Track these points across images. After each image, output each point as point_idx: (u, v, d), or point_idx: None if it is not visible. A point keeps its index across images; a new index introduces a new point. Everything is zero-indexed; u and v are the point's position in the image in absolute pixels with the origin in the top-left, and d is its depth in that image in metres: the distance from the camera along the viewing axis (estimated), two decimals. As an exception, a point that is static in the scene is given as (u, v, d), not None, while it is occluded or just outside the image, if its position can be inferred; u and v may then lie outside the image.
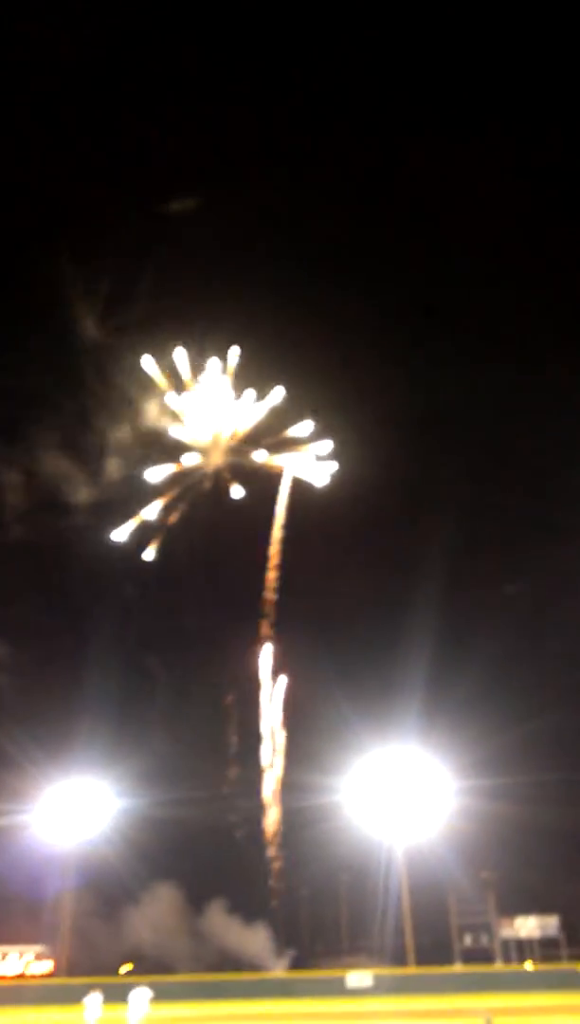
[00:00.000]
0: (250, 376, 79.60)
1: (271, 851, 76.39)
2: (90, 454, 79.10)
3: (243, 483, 79.70)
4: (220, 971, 71.29)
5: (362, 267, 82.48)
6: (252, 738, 78.15)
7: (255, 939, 77.22)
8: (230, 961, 75.30)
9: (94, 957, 74.80)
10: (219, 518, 79.53)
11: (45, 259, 76.32)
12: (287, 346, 76.79)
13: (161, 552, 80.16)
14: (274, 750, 77.52)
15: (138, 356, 77.55)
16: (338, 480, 79.48)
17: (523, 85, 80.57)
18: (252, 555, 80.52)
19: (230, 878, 78.08)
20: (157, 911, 79.98)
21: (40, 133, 78.32)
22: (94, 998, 42.15)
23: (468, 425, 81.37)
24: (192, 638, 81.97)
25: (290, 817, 77.12)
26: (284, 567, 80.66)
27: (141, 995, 40.26)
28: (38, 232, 78.85)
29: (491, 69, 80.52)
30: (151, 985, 62.90)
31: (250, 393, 79.14)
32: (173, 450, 79.37)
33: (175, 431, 78.69)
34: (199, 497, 79.87)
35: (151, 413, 78.34)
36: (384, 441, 77.68)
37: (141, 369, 77.76)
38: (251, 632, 79.81)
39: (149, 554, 79.43)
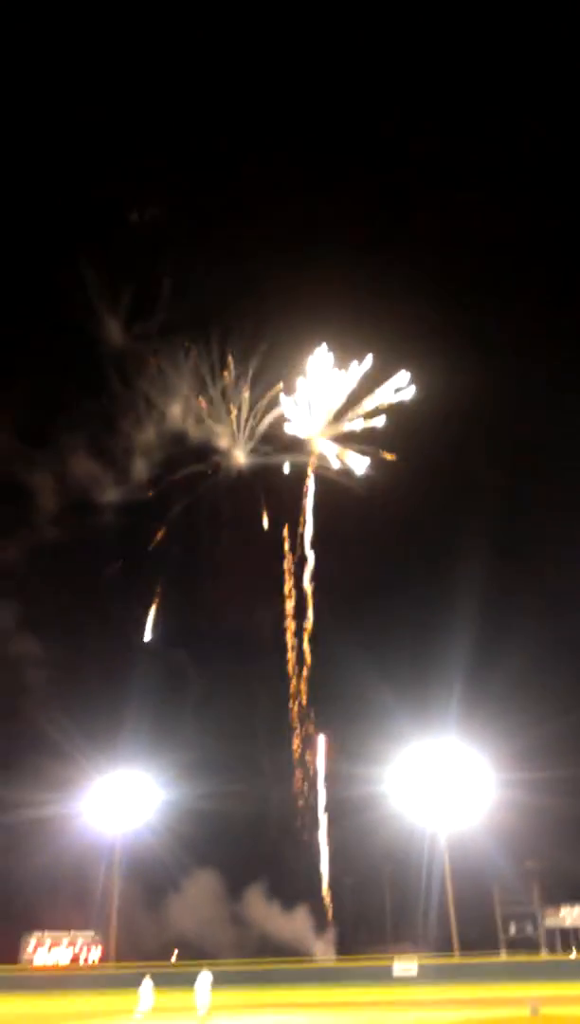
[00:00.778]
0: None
1: (318, 840, 76.96)
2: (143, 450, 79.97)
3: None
4: (263, 957, 72.32)
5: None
6: (294, 730, 78.79)
7: (296, 923, 78.17)
8: (272, 947, 76.27)
9: (141, 944, 76.32)
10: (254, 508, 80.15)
11: (71, 264, 76.72)
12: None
13: (193, 545, 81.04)
14: (317, 740, 78.15)
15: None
16: (379, 472, 79.41)
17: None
18: (294, 541, 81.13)
19: (272, 867, 79.22)
20: (201, 899, 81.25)
21: (64, 135, 78.84)
22: (146, 985, 42.96)
23: (516, 417, 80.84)
24: (235, 633, 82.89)
25: (334, 807, 77.77)
26: (323, 558, 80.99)
27: (206, 980, 41.00)
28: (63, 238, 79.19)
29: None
30: (198, 974, 64.32)
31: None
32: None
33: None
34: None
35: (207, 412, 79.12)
36: (430, 431, 77.76)
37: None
38: (293, 619, 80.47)
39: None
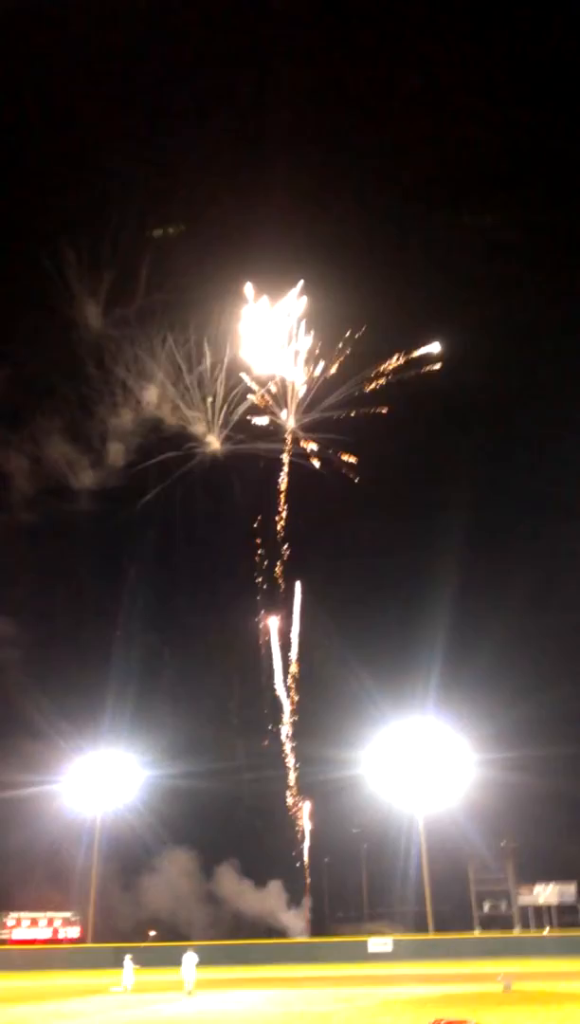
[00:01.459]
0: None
1: (296, 820, 77.58)
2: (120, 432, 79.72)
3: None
4: (239, 934, 73.25)
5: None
6: (274, 709, 79.13)
7: (273, 901, 79.01)
8: (249, 925, 77.15)
9: (118, 923, 76.90)
10: (227, 490, 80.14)
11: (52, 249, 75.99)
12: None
13: (173, 525, 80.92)
14: (292, 719, 78.55)
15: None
16: (357, 449, 79.40)
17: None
18: (269, 526, 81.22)
19: (250, 846, 79.99)
20: (180, 879, 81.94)
21: (46, 122, 77.84)
22: (128, 964, 43.28)
23: (490, 402, 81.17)
24: (213, 613, 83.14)
25: (313, 787, 78.38)
26: (300, 537, 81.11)
27: (192, 959, 41.50)
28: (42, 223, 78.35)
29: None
30: (177, 950, 64.91)
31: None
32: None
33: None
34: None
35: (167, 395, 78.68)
36: (407, 411, 77.81)
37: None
38: (269, 604, 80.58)
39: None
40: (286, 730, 77.66)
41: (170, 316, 76.24)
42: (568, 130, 79.26)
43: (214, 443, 79.99)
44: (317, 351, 76.47)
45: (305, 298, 75.99)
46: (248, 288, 75.49)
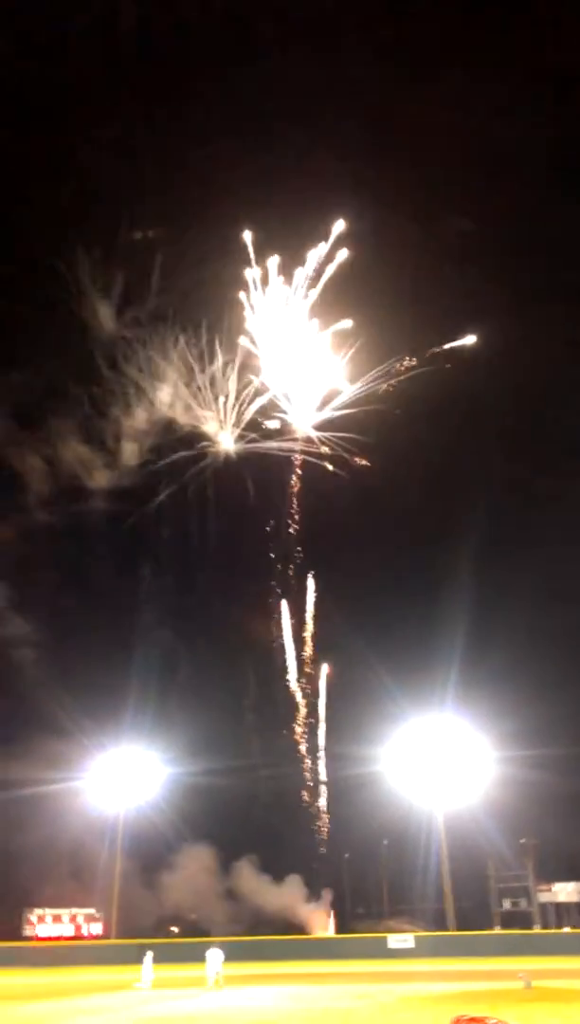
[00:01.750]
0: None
1: (318, 817, 77.90)
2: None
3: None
4: (260, 930, 73.75)
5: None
6: (295, 707, 79.46)
7: (294, 897, 79.41)
8: (269, 921, 77.61)
9: (142, 919, 77.54)
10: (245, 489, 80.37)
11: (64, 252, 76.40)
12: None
13: (189, 524, 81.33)
14: (317, 718, 78.85)
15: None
16: (373, 448, 79.39)
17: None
18: (284, 524, 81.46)
19: (270, 843, 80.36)
20: (200, 875, 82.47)
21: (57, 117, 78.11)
22: (147, 960, 43.73)
23: (511, 400, 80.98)
24: (231, 611, 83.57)
25: (333, 784, 78.71)
26: (317, 534, 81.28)
27: (217, 954, 41.88)
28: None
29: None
30: (199, 946, 65.39)
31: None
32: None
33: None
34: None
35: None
36: (425, 411, 77.65)
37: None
38: (287, 601, 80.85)
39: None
40: (304, 727, 78.22)
41: (182, 316, 76.62)
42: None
43: (227, 443, 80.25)
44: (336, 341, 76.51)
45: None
46: (272, 261, 75.44)
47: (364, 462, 76.81)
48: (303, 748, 78.41)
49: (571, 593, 77.07)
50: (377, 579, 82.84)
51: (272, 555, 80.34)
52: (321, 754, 78.09)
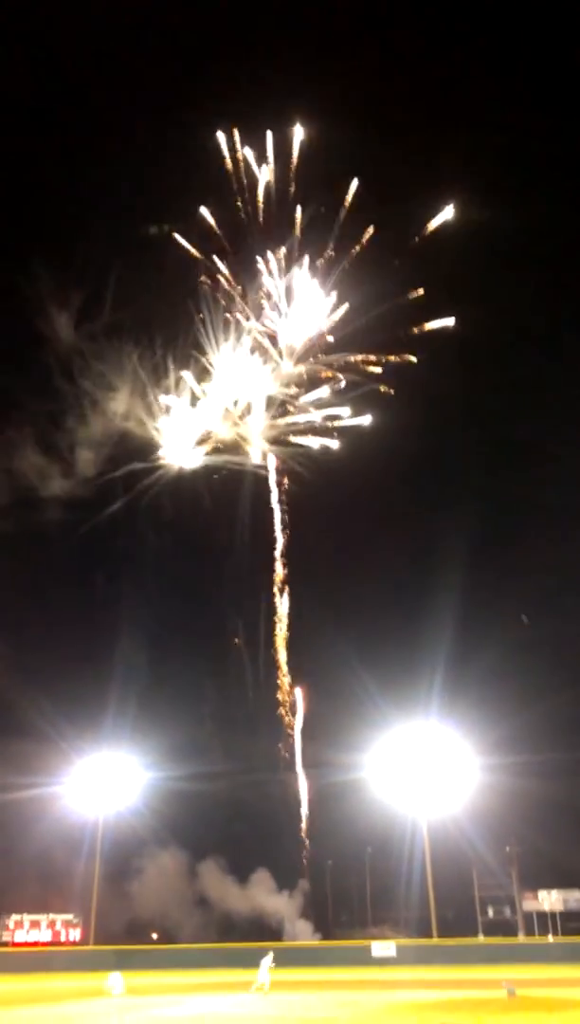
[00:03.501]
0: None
1: (301, 824, 77.49)
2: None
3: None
4: (242, 937, 73.30)
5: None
6: (277, 713, 79.09)
7: (278, 904, 79.02)
8: (253, 927, 77.14)
9: (118, 925, 76.98)
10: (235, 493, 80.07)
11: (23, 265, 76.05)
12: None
13: (168, 528, 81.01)
14: (297, 724, 78.48)
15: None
16: (358, 455, 79.15)
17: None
18: (269, 530, 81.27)
19: (258, 852, 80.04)
20: (178, 880, 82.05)
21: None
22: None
23: (498, 410, 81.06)
24: (215, 616, 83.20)
25: (316, 791, 78.28)
26: (304, 543, 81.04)
27: (268, 959, 41.74)
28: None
29: None
30: (180, 952, 64.93)
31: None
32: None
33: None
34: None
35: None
36: (411, 417, 77.55)
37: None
38: (273, 609, 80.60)
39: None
40: (289, 732, 77.84)
41: (138, 330, 76.47)
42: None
43: (186, 455, 79.68)
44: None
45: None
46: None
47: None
48: (286, 754, 78.10)
49: (557, 601, 77.27)
50: (361, 587, 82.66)
51: (253, 563, 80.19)
52: (298, 761, 77.85)
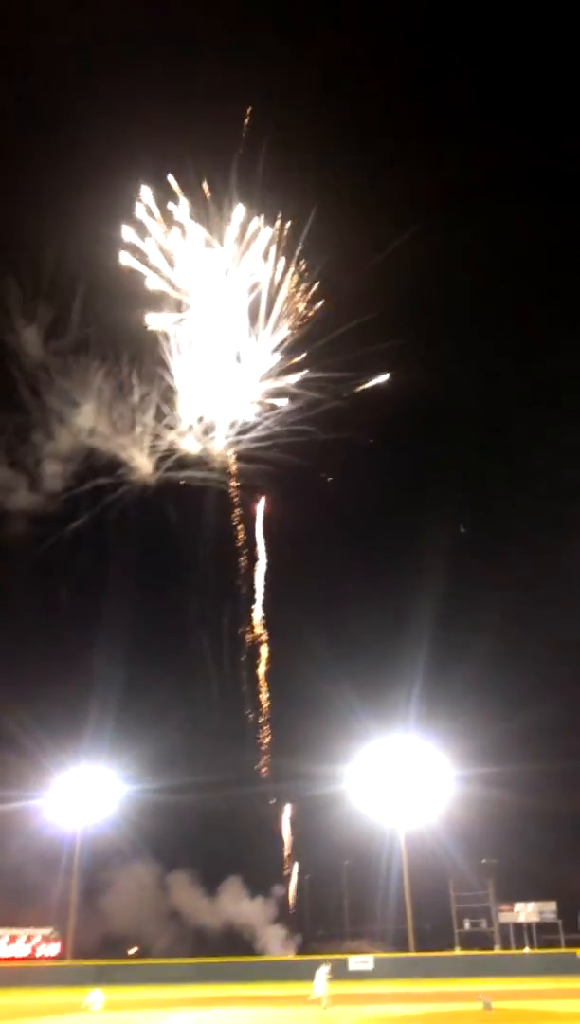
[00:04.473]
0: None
1: (281, 838, 77.61)
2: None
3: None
4: (206, 950, 73.36)
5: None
6: (254, 725, 79.23)
7: (256, 917, 79.05)
8: (229, 941, 77.13)
9: (98, 939, 76.63)
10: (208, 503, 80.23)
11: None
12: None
13: (142, 539, 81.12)
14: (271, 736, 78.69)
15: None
16: (334, 465, 79.34)
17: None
18: (248, 542, 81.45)
19: (232, 861, 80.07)
20: (158, 894, 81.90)
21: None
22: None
23: (468, 415, 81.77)
24: (191, 630, 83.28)
25: (294, 804, 78.47)
26: (280, 556, 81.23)
27: (323, 972, 41.49)
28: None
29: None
30: (160, 968, 64.83)
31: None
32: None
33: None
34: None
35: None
36: (384, 427, 78.05)
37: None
38: (249, 622, 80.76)
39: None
40: (266, 744, 78.01)
41: (104, 346, 76.47)
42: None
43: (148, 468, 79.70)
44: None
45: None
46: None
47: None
48: (265, 767, 78.26)
49: (533, 613, 78.05)
50: (339, 600, 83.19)
51: (229, 575, 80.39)
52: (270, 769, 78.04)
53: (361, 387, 75.98)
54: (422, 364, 75.91)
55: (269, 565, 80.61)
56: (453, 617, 76.94)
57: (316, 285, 73.03)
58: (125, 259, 71.56)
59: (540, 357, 79.96)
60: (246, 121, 71.53)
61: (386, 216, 74.90)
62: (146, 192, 70.84)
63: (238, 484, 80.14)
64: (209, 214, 71.61)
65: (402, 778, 68.52)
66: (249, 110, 71.87)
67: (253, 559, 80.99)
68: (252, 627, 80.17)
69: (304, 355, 74.73)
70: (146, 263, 72.26)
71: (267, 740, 78.74)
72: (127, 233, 71.23)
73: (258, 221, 71.86)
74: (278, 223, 71.95)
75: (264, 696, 79.26)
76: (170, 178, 70.26)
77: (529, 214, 77.69)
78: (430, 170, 77.90)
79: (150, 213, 71.30)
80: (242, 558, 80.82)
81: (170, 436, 77.82)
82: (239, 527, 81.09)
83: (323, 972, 41.84)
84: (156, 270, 72.69)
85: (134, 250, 71.91)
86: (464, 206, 79.96)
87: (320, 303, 72.94)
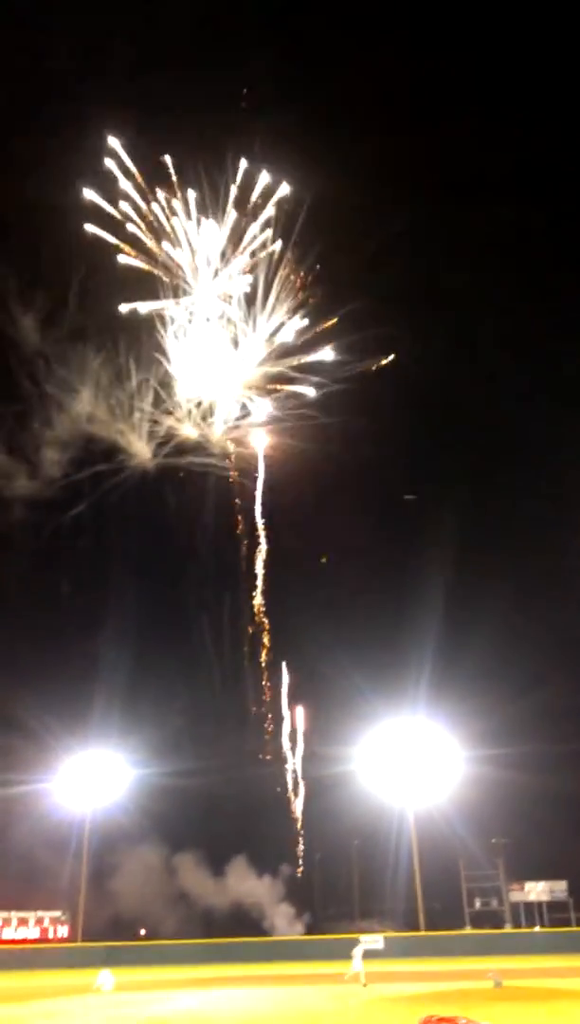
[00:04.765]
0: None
1: (292, 816, 77.64)
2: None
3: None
4: (215, 931, 73.80)
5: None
6: (264, 708, 79.16)
7: (267, 896, 79.48)
8: (240, 921, 77.57)
9: (107, 921, 77.08)
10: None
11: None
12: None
13: (152, 523, 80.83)
14: (289, 720, 78.52)
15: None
16: (343, 449, 78.80)
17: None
18: (249, 526, 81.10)
19: (241, 841, 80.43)
20: (167, 875, 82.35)
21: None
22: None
23: (481, 400, 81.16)
24: (195, 614, 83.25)
25: (305, 785, 78.53)
26: (282, 539, 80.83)
27: (360, 949, 41.79)
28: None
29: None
30: (169, 948, 65.10)
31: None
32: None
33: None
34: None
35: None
36: (393, 410, 77.47)
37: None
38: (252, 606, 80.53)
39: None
40: (278, 726, 77.95)
41: (102, 333, 75.68)
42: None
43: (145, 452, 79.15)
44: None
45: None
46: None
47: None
48: (275, 748, 78.20)
49: (542, 593, 77.64)
50: (348, 583, 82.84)
51: (236, 558, 79.97)
52: (291, 754, 77.90)
53: (370, 368, 75.38)
54: (427, 347, 75.37)
55: (271, 548, 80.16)
56: (461, 598, 76.74)
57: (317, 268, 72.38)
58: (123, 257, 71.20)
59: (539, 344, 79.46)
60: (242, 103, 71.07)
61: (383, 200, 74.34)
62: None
63: (237, 469, 79.67)
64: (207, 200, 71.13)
65: (411, 759, 68.48)
66: (245, 91, 71.58)
67: (254, 543, 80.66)
68: (255, 610, 79.95)
69: (305, 336, 74.21)
70: (142, 249, 71.89)
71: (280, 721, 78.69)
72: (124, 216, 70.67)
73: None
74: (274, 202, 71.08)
75: (266, 679, 79.11)
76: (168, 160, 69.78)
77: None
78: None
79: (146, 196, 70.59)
80: (244, 542, 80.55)
81: (169, 422, 77.45)
82: (239, 512, 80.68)
83: (360, 950, 41.98)
84: (153, 256, 72.32)
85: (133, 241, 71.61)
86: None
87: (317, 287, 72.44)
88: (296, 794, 77.12)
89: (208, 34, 76.97)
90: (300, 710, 77.75)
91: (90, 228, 70.28)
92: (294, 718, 77.67)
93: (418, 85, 78.58)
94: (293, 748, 77.29)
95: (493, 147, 78.10)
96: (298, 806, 77.63)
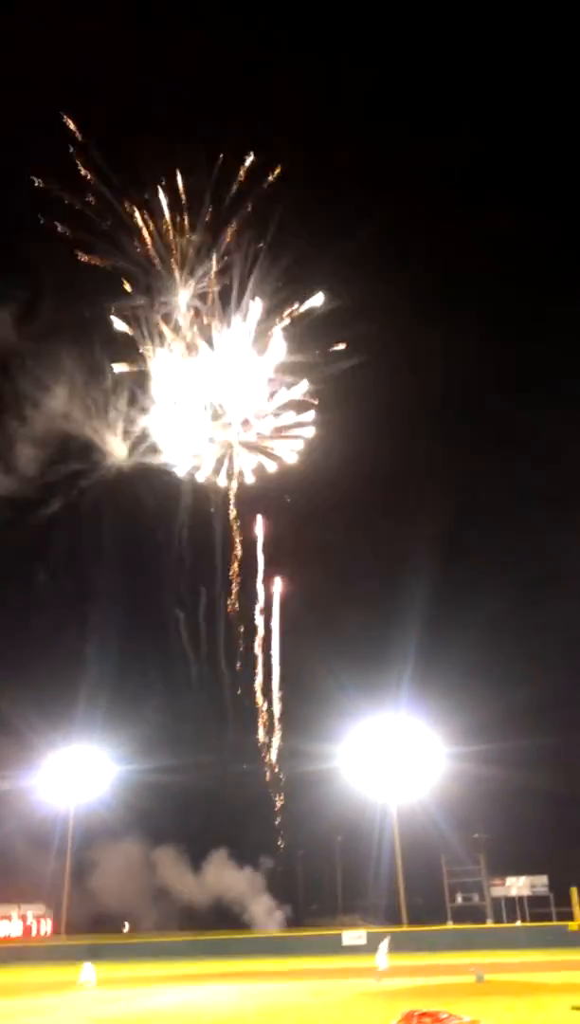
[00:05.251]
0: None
1: (276, 809, 77.81)
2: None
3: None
4: (211, 926, 73.85)
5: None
6: (249, 704, 79.24)
7: (249, 891, 79.66)
8: (222, 916, 77.73)
9: (90, 917, 77.08)
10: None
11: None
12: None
13: (133, 518, 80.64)
14: (271, 714, 78.62)
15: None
16: (328, 447, 78.78)
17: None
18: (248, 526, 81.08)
19: (224, 839, 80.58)
20: (148, 871, 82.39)
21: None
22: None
23: (464, 398, 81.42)
24: (188, 609, 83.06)
25: (287, 781, 78.69)
26: (278, 537, 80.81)
27: (385, 944, 41.63)
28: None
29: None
30: (152, 944, 65.17)
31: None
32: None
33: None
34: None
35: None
36: (381, 409, 77.52)
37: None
38: (246, 601, 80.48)
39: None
40: (262, 723, 78.02)
41: (77, 332, 75.53)
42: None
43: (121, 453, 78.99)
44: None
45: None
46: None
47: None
48: (262, 743, 78.36)
49: (524, 593, 78.13)
50: (332, 581, 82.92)
51: (224, 556, 79.98)
52: (272, 750, 78.08)
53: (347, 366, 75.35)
54: (414, 346, 75.66)
55: (249, 545, 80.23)
56: (445, 596, 76.92)
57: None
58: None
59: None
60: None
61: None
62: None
63: (214, 469, 79.47)
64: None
65: (394, 755, 68.80)
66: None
67: (231, 541, 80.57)
68: (235, 608, 79.89)
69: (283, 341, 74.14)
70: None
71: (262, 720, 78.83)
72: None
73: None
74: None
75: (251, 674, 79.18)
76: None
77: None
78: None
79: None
80: (225, 540, 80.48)
81: (143, 421, 77.24)
82: (215, 508, 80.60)
83: (385, 945, 41.95)
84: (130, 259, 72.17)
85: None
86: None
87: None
88: (277, 789, 77.49)
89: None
90: (277, 705, 78.11)
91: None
92: (271, 715, 78.06)
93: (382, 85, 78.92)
94: (270, 744, 77.71)
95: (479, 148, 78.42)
96: (277, 802, 78.07)
